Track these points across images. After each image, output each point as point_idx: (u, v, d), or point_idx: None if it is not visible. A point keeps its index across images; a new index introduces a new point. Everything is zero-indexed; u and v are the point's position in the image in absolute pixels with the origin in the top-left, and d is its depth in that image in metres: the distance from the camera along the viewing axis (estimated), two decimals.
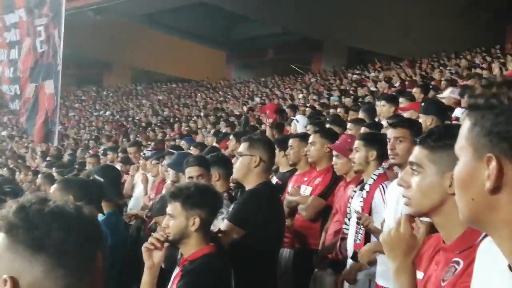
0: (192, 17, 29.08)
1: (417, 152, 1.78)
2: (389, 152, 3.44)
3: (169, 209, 2.86)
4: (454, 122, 4.57)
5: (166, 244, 2.80)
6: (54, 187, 3.55)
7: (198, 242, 2.82)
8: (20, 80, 13.34)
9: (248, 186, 3.57)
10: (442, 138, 1.72)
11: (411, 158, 1.80)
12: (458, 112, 4.65)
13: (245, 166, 3.54)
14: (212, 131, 11.08)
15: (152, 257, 2.80)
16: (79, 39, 32.04)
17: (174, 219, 2.82)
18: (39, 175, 8.92)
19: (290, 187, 4.80)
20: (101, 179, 4.48)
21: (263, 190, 3.51)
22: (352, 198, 4.02)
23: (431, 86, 9.61)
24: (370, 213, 3.69)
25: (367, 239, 3.68)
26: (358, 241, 3.75)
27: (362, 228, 3.65)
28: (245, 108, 16.71)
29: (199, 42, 33.33)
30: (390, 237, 1.75)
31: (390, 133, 3.49)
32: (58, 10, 12.69)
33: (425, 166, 1.74)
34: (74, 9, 27.57)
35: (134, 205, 6.71)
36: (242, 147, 3.62)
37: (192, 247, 2.82)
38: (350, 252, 3.83)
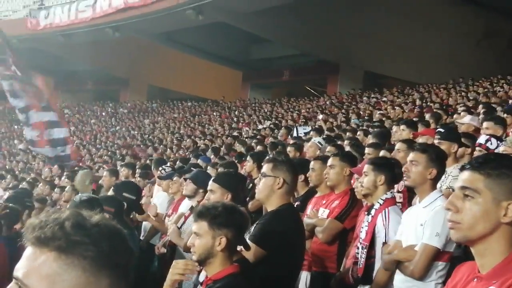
0: (209, 36, 29.26)
1: (471, 177, 1.72)
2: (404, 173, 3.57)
3: (195, 228, 2.84)
4: (478, 148, 4.55)
5: (197, 268, 2.80)
6: None
7: (223, 262, 2.80)
8: None
9: (270, 207, 3.55)
10: (500, 167, 1.69)
11: (464, 183, 1.73)
12: (482, 139, 4.63)
13: (268, 187, 3.52)
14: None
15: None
16: (97, 56, 32.50)
17: (201, 238, 2.81)
18: (56, 189, 8.99)
19: (309, 209, 4.80)
20: (133, 197, 4.55)
21: (285, 212, 3.49)
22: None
23: (449, 112, 9.63)
24: (373, 237, 3.71)
25: (368, 265, 3.70)
26: (360, 265, 3.76)
27: (365, 253, 3.68)
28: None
29: (216, 61, 33.56)
30: None
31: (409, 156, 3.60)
32: None
33: (481, 192, 1.69)
34: (93, 26, 28.04)
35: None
36: (266, 168, 3.59)
37: (216, 266, 2.80)
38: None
